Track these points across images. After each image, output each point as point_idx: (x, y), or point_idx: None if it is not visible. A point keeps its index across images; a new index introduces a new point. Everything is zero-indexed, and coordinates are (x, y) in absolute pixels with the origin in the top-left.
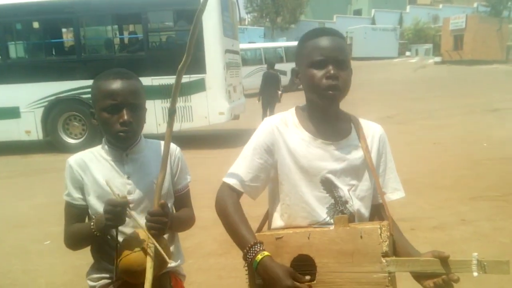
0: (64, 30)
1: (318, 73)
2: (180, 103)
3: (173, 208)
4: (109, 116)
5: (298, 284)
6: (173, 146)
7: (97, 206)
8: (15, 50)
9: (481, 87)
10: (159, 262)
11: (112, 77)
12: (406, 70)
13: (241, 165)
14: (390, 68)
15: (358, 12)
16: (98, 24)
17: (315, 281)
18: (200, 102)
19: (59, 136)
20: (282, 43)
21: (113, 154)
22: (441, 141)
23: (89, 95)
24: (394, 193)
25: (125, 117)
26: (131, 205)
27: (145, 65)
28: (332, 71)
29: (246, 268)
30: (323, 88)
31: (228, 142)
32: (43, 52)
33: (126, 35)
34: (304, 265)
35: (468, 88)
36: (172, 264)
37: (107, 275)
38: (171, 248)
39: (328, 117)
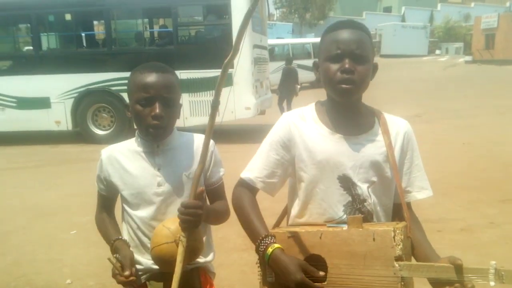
0: (95, 22)
1: (334, 66)
2: (206, 96)
3: (207, 201)
4: (142, 109)
5: (308, 280)
6: None
7: (129, 198)
8: (47, 41)
9: (511, 88)
10: (189, 255)
11: (148, 70)
12: (436, 68)
13: (257, 161)
14: (419, 66)
15: (388, 9)
16: (128, 18)
17: (325, 282)
18: (227, 97)
19: (88, 127)
20: (310, 39)
21: (145, 145)
22: (470, 142)
23: (118, 88)
24: (420, 192)
25: (157, 110)
26: (160, 198)
27: (173, 59)
28: (347, 65)
29: (258, 264)
30: (337, 82)
31: (254, 137)
32: (75, 44)
33: (156, 28)
34: (315, 265)
35: (498, 88)
36: (201, 259)
37: (137, 267)
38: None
39: (349, 111)
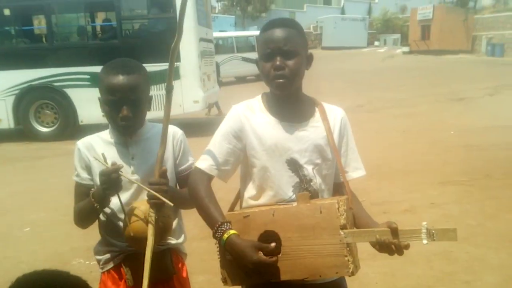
0: (36, 17)
1: (267, 65)
2: (154, 91)
3: (178, 187)
4: (110, 110)
5: (264, 258)
6: (176, 129)
7: None
8: None
9: (447, 76)
10: (160, 231)
11: (114, 72)
12: (375, 60)
13: (211, 151)
14: (359, 58)
15: (328, 2)
16: (70, 11)
17: (280, 255)
18: (175, 91)
19: (31, 125)
20: (253, 32)
21: (118, 137)
22: (410, 129)
23: (62, 83)
24: (355, 172)
25: (125, 112)
26: (134, 185)
27: (118, 53)
28: (277, 62)
29: (217, 246)
30: (271, 78)
31: (203, 131)
32: (15, 39)
33: (99, 22)
34: (270, 240)
35: (435, 77)
36: (173, 241)
37: (113, 249)
38: (173, 225)
39: (291, 101)
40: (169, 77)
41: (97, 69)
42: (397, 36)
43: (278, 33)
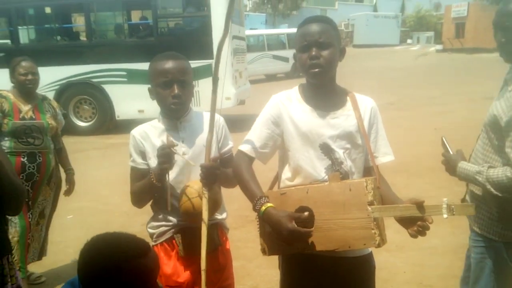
0: (75, 15)
1: (304, 56)
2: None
3: None
4: (162, 91)
5: (298, 227)
6: (218, 116)
7: None
8: (28, 35)
9: (481, 75)
10: (212, 206)
11: (165, 59)
12: (408, 57)
13: (252, 135)
14: (392, 56)
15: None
16: (108, 10)
17: (313, 228)
18: (207, 87)
19: (70, 119)
20: (284, 30)
21: (169, 123)
22: (442, 127)
23: (100, 79)
24: (384, 157)
25: (176, 91)
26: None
27: (154, 51)
28: (313, 53)
29: (257, 220)
30: (307, 68)
31: (234, 127)
32: (55, 36)
33: (135, 20)
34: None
35: (468, 76)
36: (219, 216)
37: (166, 223)
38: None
39: (325, 91)
40: (215, 69)
41: (134, 65)
42: (431, 34)
43: (314, 27)
